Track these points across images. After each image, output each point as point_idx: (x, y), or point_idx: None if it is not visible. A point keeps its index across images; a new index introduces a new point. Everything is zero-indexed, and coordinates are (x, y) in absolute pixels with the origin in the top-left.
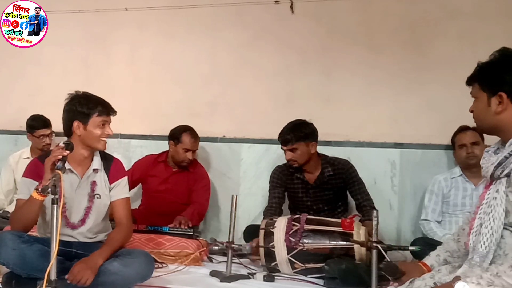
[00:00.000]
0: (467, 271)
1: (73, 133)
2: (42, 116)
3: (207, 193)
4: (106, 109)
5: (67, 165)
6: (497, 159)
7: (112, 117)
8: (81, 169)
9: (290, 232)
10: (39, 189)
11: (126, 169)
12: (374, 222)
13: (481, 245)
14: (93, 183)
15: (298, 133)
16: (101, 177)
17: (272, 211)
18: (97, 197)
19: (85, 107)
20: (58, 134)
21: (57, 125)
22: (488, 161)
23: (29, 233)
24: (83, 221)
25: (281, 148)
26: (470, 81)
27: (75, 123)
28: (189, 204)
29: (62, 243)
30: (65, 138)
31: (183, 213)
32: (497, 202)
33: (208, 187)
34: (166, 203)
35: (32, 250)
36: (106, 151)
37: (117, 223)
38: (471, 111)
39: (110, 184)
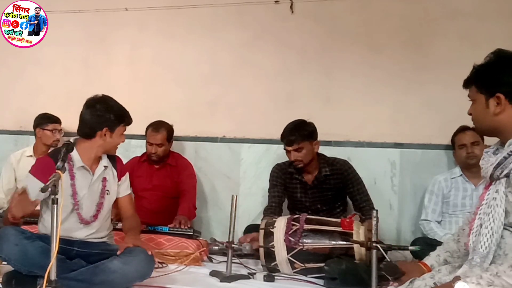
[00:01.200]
0: (467, 271)
1: (96, 136)
2: (51, 114)
3: (193, 180)
4: (130, 120)
5: (79, 163)
6: (496, 160)
7: None
8: (94, 167)
9: (290, 232)
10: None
11: None
12: (374, 222)
13: (481, 245)
14: (104, 180)
15: (303, 132)
16: (110, 174)
17: (272, 210)
18: (107, 193)
19: (118, 116)
20: (66, 134)
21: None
22: (488, 162)
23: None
24: (95, 216)
25: (285, 149)
26: (466, 83)
27: (105, 129)
28: (178, 197)
29: (63, 241)
30: (66, 139)
31: (179, 211)
32: (497, 202)
33: (193, 175)
34: (156, 200)
35: (34, 246)
36: None
37: (127, 216)
38: (470, 114)
39: (119, 180)
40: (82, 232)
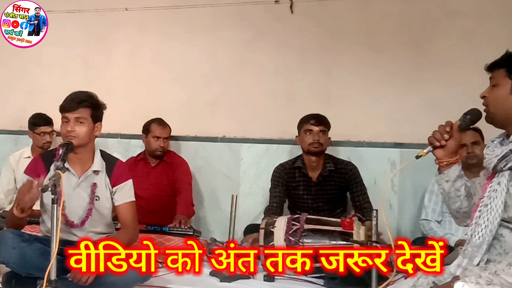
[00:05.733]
0: (467, 271)
1: None
2: (44, 114)
3: (188, 177)
4: (66, 105)
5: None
6: (501, 152)
7: (112, 117)
8: (80, 168)
9: (290, 232)
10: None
11: None
12: (374, 222)
13: (475, 235)
14: (94, 185)
15: (328, 120)
16: (102, 179)
17: (272, 211)
18: (96, 199)
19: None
20: (58, 134)
21: (58, 124)
22: (492, 152)
23: (30, 232)
24: (83, 222)
25: (310, 128)
26: (493, 66)
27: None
28: (175, 195)
29: (62, 242)
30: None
31: (178, 210)
32: (497, 194)
33: (188, 171)
34: (152, 199)
35: (32, 249)
36: (106, 151)
37: (122, 225)
38: (483, 97)
39: (112, 187)
40: (75, 234)
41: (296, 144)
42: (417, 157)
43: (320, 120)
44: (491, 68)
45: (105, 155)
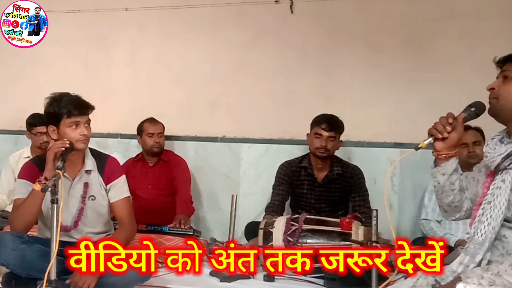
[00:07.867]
0: (469, 272)
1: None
2: (41, 114)
3: (186, 174)
4: (76, 109)
5: None
6: (505, 150)
7: (112, 117)
8: (72, 170)
9: (289, 232)
10: (41, 181)
11: None
12: (374, 222)
13: (478, 232)
14: (86, 185)
15: (341, 124)
16: (95, 178)
17: (273, 208)
18: (92, 199)
19: (55, 109)
20: None
21: None
22: (494, 151)
23: (29, 233)
24: (75, 224)
25: (320, 132)
26: (509, 59)
27: (50, 128)
28: (174, 194)
29: (62, 243)
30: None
31: (178, 209)
32: (501, 191)
33: (186, 169)
34: (152, 198)
35: (32, 250)
36: (105, 151)
37: (120, 223)
38: (491, 89)
39: (106, 185)
40: (72, 236)
41: (306, 141)
42: (417, 148)
43: (332, 125)
44: (505, 61)
45: (95, 153)
